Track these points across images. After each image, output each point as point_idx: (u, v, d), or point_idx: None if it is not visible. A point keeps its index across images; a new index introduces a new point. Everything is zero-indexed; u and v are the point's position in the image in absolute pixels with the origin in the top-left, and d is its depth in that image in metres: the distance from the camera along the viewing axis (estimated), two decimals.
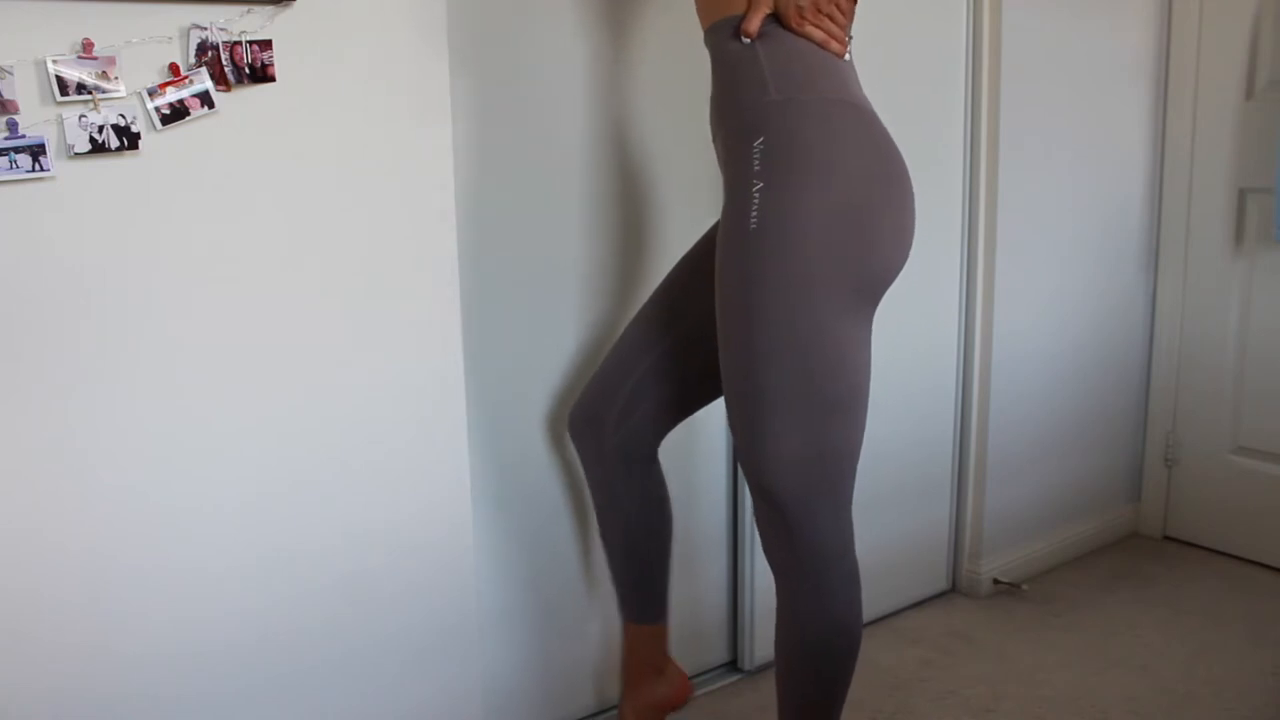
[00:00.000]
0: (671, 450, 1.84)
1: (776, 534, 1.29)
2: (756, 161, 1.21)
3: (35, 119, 1.13)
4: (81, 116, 1.15)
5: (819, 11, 1.23)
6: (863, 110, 1.25)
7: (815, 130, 1.20)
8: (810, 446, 1.23)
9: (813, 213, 1.18)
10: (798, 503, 1.25)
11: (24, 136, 1.12)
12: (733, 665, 2.04)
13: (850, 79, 1.28)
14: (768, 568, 1.34)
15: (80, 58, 1.14)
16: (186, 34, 1.20)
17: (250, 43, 1.24)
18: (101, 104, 1.16)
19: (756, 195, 1.20)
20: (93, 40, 1.15)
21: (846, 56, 1.27)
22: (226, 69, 1.23)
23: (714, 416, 1.92)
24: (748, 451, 1.26)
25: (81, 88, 1.15)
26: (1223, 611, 2.25)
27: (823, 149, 1.19)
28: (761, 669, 2.01)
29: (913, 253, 2.11)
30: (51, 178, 1.15)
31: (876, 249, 1.22)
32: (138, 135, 1.19)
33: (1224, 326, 2.48)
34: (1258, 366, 2.43)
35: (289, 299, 1.32)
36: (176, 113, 1.21)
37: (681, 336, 1.45)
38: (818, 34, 1.23)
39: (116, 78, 1.16)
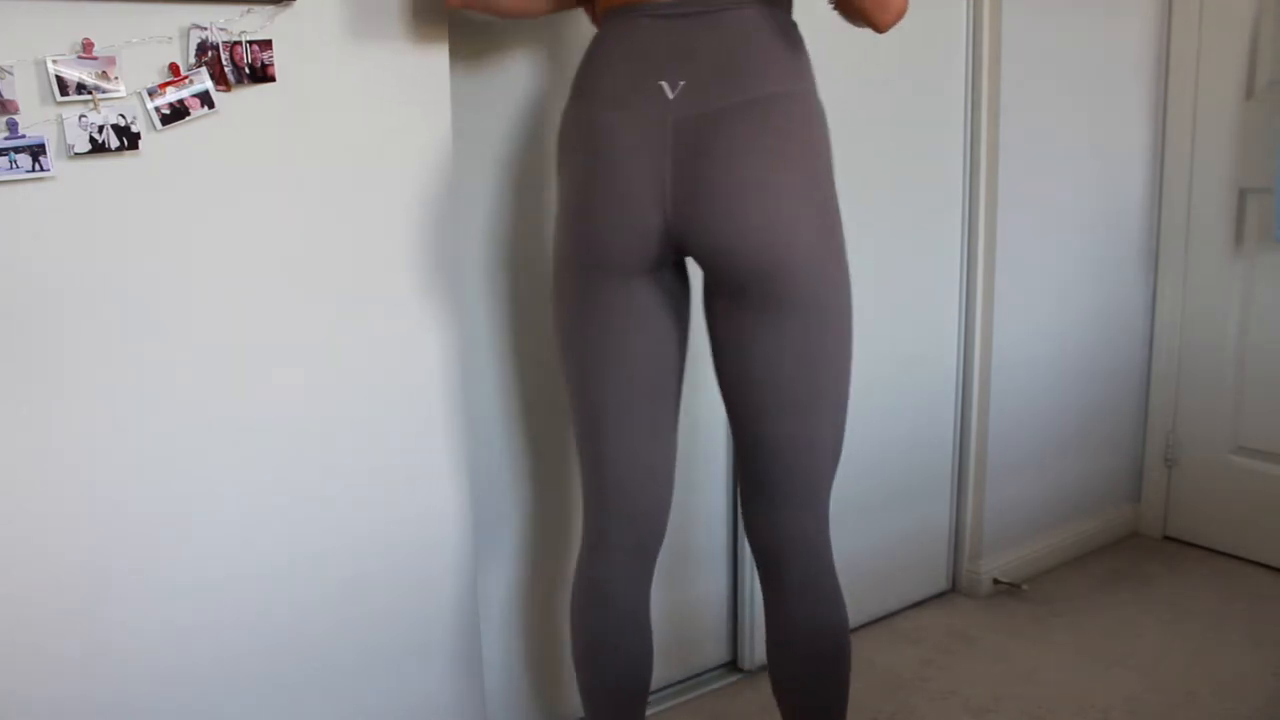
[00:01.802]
0: None
1: None
2: None
3: (35, 119, 1.13)
4: (81, 116, 1.15)
5: None
6: (581, 99, 1.27)
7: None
8: (574, 418, 1.38)
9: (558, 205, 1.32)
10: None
11: (24, 136, 1.12)
12: (733, 665, 2.04)
13: (592, 67, 1.27)
14: None
15: (80, 58, 1.14)
16: (186, 34, 1.20)
17: (250, 43, 1.24)
18: (101, 104, 1.16)
19: None
20: (93, 40, 1.15)
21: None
22: (226, 69, 1.23)
23: (713, 417, 1.92)
24: None
25: (81, 88, 1.15)
26: (1223, 611, 2.25)
27: (557, 148, 1.32)
28: (762, 669, 2.01)
29: (913, 253, 2.13)
30: (51, 178, 1.15)
31: (576, 229, 1.27)
32: (138, 135, 1.19)
33: (1224, 326, 2.48)
34: (1258, 366, 2.43)
35: (289, 300, 1.32)
36: (176, 113, 1.21)
37: None
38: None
39: (116, 78, 1.16)
